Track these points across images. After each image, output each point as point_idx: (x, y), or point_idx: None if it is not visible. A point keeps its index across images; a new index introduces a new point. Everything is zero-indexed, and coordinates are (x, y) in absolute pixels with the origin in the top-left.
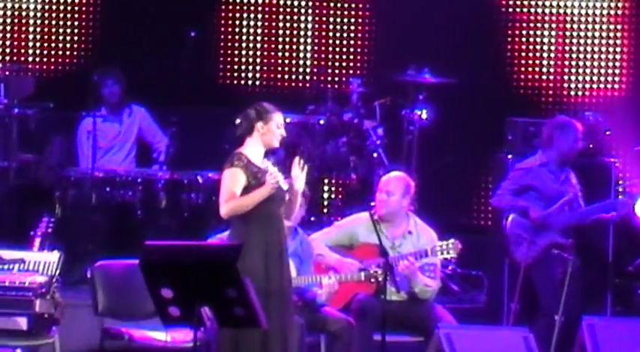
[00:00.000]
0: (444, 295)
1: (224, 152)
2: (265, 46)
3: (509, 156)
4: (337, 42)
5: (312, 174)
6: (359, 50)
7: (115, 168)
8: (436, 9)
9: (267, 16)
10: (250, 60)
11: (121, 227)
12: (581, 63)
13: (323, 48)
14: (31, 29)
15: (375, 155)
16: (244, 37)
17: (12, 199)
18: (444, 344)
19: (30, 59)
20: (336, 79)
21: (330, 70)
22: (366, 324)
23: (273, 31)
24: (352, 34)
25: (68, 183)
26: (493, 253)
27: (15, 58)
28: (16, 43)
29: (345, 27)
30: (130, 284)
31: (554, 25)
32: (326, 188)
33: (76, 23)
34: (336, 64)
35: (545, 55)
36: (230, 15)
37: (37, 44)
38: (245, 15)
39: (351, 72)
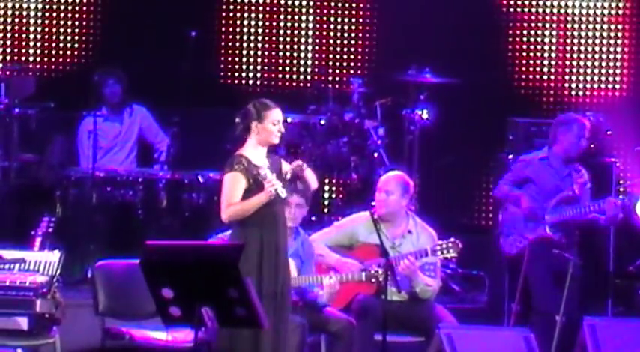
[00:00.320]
0: (444, 295)
1: (225, 152)
2: (266, 45)
3: (510, 156)
4: (338, 42)
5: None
6: (360, 50)
7: (116, 167)
8: (437, 9)
9: (268, 15)
10: (251, 60)
11: (121, 227)
12: (581, 63)
13: (324, 48)
14: (32, 29)
15: (376, 155)
16: (245, 37)
17: (13, 199)
18: (444, 344)
19: (31, 59)
20: (337, 78)
21: (331, 70)
22: (367, 324)
23: (274, 31)
24: (353, 34)
25: (69, 183)
26: (494, 253)
27: (16, 58)
28: (17, 42)
29: (346, 27)
30: (131, 283)
31: (554, 25)
32: (327, 188)
33: (76, 23)
34: (337, 63)
35: (546, 55)
36: (231, 15)
37: (38, 44)
38: (246, 15)
39: (352, 72)
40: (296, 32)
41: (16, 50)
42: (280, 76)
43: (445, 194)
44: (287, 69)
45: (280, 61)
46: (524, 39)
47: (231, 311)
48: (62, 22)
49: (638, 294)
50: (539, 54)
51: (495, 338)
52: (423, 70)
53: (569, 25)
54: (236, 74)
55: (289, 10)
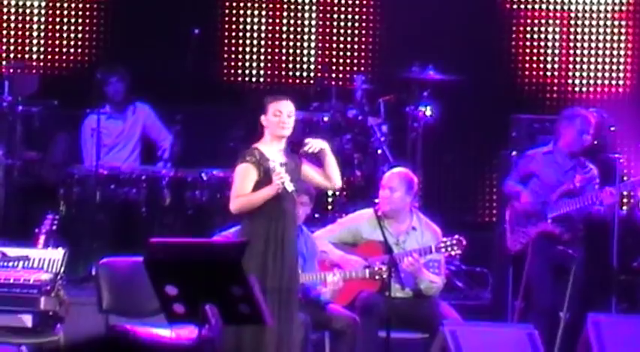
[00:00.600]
0: (448, 292)
1: (228, 150)
2: (269, 43)
3: (514, 153)
4: (341, 39)
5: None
6: (363, 47)
7: (119, 165)
8: (440, 6)
9: (271, 13)
10: (254, 57)
11: (125, 224)
12: (585, 59)
13: (327, 45)
14: (35, 27)
15: (379, 152)
16: (248, 34)
17: (16, 197)
18: (448, 340)
19: (34, 57)
20: (341, 75)
21: (334, 67)
22: (370, 321)
23: (277, 28)
24: (356, 31)
25: (72, 181)
26: (498, 250)
27: (19, 56)
28: (20, 40)
29: (350, 24)
30: (135, 281)
31: (558, 22)
32: None
33: (80, 21)
34: (341, 61)
35: (549, 51)
36: (234, 12)
37: (42, 42)
38: (249, 12)
39: (355, 69)
40: (299, 29)
41: (19, 48)
42: (283, 73)
43: (449, 191)
44: (290, 66)
45: (283, 58)
46: (528, 36)
47: (235, 309)
48: (65, 20)
49: None
50: (542, 50)
51: (499, 334)
52: (426, 67)
53: (572, 22)
54: (239, 72)
55: (292, 7)
